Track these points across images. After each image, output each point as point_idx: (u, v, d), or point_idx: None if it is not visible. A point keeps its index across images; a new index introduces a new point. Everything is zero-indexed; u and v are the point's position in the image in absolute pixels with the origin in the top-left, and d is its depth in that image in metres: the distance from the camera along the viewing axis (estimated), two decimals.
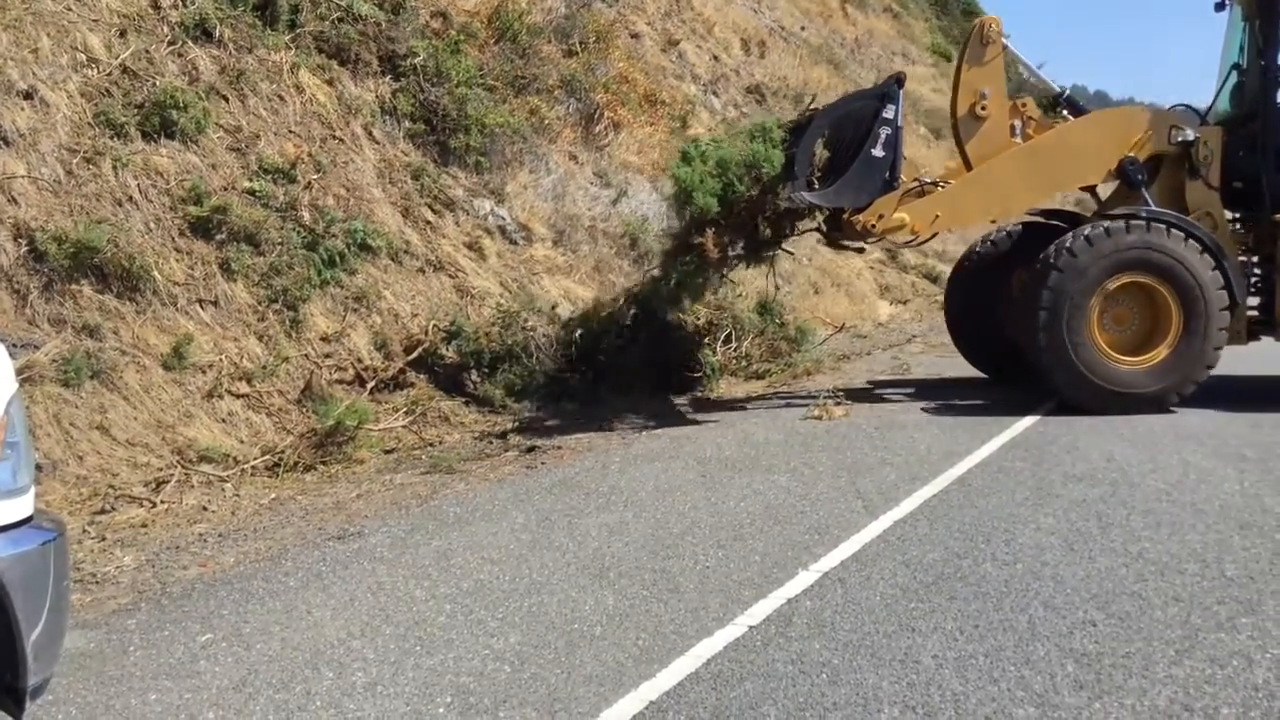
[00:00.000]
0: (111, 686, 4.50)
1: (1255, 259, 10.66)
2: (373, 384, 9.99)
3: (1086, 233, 9.89)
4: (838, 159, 10.17)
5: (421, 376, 10.45)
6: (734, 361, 12.29)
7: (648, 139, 16.74)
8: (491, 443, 9.30)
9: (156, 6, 10.82)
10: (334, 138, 11.74)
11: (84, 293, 8.65)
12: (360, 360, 10.21)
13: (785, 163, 10.16)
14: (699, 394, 11.14)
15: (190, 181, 9.85)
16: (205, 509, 7.47)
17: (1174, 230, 9.83)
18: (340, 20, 12.56)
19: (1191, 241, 9.81)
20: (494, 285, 12.24)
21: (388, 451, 9.14)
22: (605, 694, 4.23)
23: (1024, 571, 5.49)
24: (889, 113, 10.10)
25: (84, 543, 6.65)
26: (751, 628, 4.85)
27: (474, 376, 10.44)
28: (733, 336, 12.37)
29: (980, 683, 4.20)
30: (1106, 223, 9.99)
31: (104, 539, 6.76)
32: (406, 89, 12.86)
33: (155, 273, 9.11)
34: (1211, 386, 10.01)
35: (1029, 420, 9.53)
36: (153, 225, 9.44)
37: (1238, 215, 10.82)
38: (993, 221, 11.42)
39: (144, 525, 7.08)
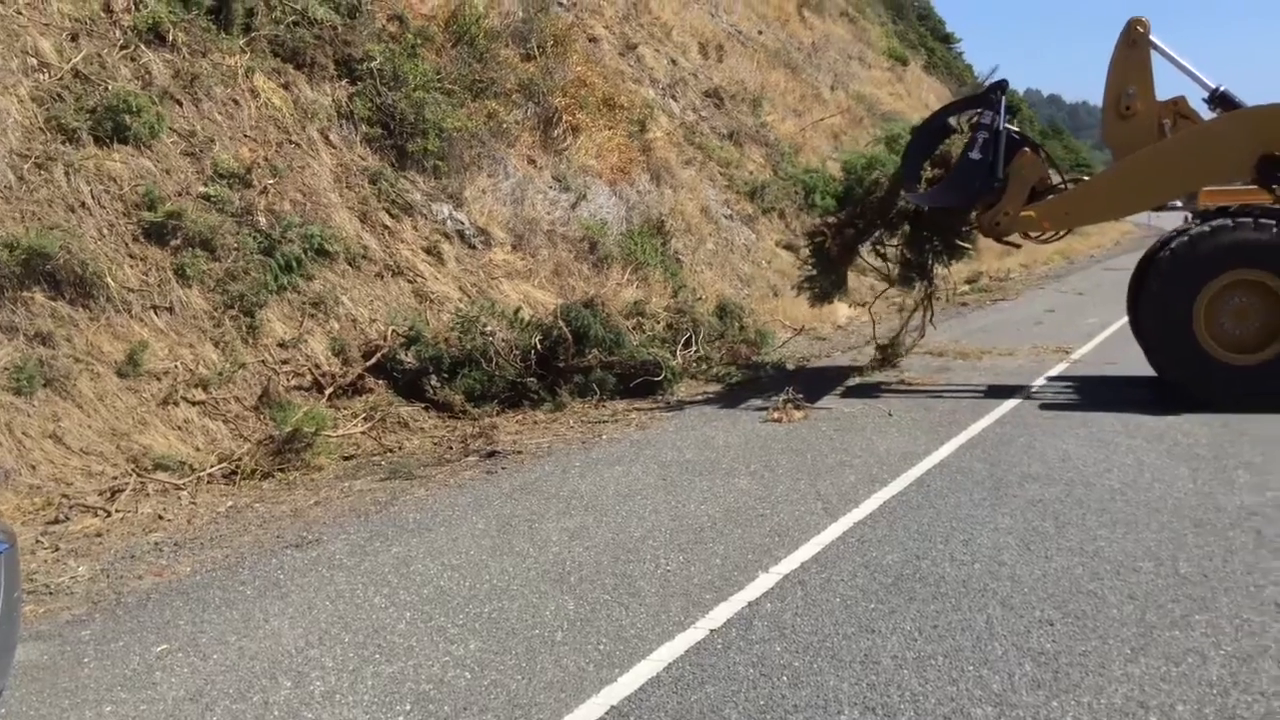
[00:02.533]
0: (65, 699, 4.44)
1: None
2: (331, 390, 9.92)
3: (1192, 231, 10.02)
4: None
5: (380, 382, 10.39)
6: (694, 365, 12.28)
7: (606, 143, 16.76)
8: (451, 448, 9.26)
9: (109, 10, 10.69)
10: (290, 142, 11.65)
11: (36, 300, 8.53)
12: (318, 366, 10.14)
13: (901, 165, 10.80)
14: (659, 397, 11.13)
15: (144, 187, 9.74)
16: (161, 518, 7.38)
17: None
18: (295, 24, 12.48)
19: None
20: (453, 290, 12.20)
21: (346, 458, 9.08)
22: (566, 699, 4.23)
23: (982, 572, 5.54)
24: (986, 118, 10.40)
25: (37, 553, 6.55)
26: (712, 631, 4.87)
27: (433, 381, 10.38)
28: (693, 340, 12.38)
29: (939, 683, 4.24)
30: (1216, 221, 10.05)
31: (58, 549, 6.67)
32: (363, 93, 12.79)
33: (109, 279, 9.01)
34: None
35: (986, 421, 9.61)
36: (106, 231, 9.33)
37: None
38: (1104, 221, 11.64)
39: (98, 535, 6.99)
